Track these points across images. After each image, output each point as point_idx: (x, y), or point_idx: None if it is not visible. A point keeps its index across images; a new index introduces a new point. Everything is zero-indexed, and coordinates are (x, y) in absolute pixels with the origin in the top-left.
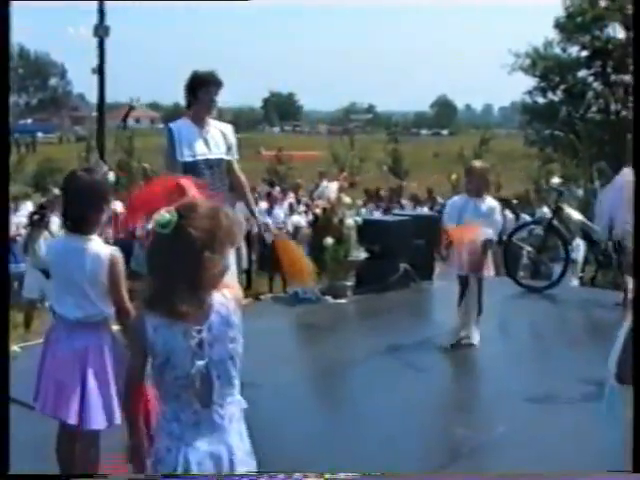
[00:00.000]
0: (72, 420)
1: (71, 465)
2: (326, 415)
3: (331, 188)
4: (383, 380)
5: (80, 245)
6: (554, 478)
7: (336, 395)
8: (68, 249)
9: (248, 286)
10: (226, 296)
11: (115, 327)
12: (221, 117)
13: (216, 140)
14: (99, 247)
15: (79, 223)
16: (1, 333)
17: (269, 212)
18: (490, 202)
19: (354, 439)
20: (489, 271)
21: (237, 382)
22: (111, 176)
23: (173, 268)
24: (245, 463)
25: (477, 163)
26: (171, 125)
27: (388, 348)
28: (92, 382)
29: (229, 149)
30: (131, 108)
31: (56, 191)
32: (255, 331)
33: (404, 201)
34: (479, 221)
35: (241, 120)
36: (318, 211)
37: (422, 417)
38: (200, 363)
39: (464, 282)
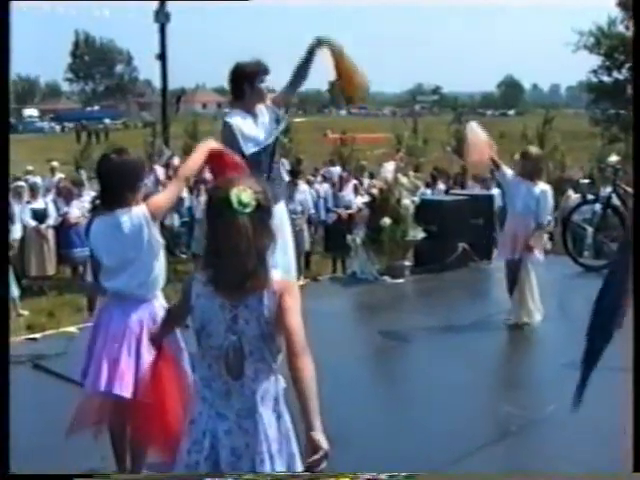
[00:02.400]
0: (127, 394)
1: (125, 440)
2: (383, 394)
3: (387, 168)
4: (439, 359)
5: (119, 218)
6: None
7: (393, 374)
8: (110, 225)
9: (307, 267)
10: (272, 279)
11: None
12: (289, 101)
13: (268, 124)
14: (137, 211)
15: (115, 202)
16: (1, 333)
17: (335, 194)
18: (542, 186)
19: (410, 418)
20: (540, 254)
21: (274, 361)
22: (176, 160)
23: (247, 248)
24: (279, 442)
25: (532, 149)
26: (228, 119)
27: (445, 327)
28: (146, 356)
29: (277, 124)
30: (182, 93)
31: None
32: (312, 312)
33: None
34: (531, 204)
35: (308, 103)
36: (375, 191)
37: (475, 395)
38: (233, 337)
39: (512, 266)
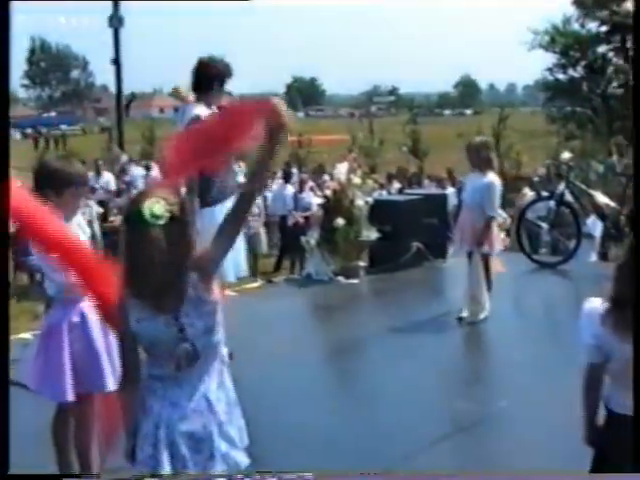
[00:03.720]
0: (68, 397)
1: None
2: (339, 394)
3: (340, 169)
4: (394, 358)
5: None
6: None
7: (348, 374)
8: None
9: (277, 268)
10: (192, 276)
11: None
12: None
13: None
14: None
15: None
16: (1, 332)
17: (296, 196)
18: (490, 177)
19: (366, 416)
20: (494, 247)
21: (220, 344)
22: (132, 166)
23: (162, 260)
24: (228, 413)
25: (478, 139)
26: (197, 112)
27: (400, 326)
28: (84, 355)
29: None
30: (133, 98)
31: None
32: (268, 313)
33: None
34: (477, 197)
35: None
36: (328, 193)
37: (429, 392)
38: (185, 345)
39: (471, 258)
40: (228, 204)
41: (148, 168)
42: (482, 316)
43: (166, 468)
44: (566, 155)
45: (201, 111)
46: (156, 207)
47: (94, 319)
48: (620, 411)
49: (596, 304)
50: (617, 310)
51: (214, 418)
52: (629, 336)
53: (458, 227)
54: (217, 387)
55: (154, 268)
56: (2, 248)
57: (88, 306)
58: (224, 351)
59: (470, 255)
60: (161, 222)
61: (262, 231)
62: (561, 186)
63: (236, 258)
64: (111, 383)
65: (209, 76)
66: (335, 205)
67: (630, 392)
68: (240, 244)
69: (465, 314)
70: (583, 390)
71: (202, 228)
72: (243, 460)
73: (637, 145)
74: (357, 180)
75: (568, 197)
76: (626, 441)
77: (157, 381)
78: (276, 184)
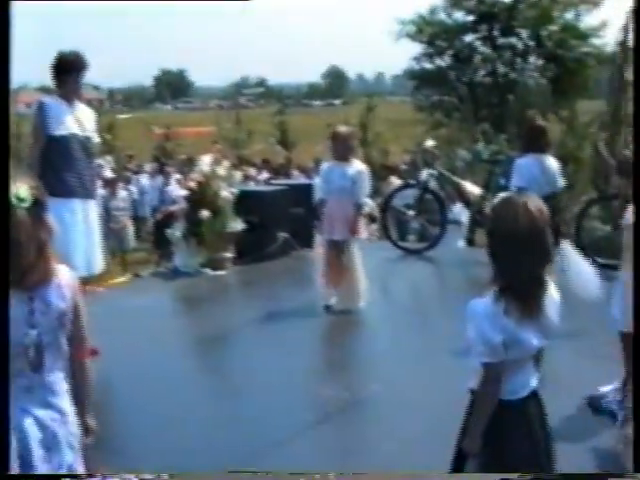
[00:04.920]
0: None
1: None
2: (208, 385)
3: (204, 161)
4: (262, 348)
5: None
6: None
7: (217, 365)
8: None
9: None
10: (62, 270)
11: None
12: (112, 98)
13: (85, 119)
14: None
15: None
16: (1, 332)
17: (163, 189)
18: (357, 166)
19: (233, 408)
20: (362, 234)
21: (64, 349)
22: None
23: (27, 240)
24: (73, 425)
25: (341, 128)
26: (42, 99)
27: (269, 317)
28: None
29: (94, 131)
30: None
31: None
32: (135, 307)
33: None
34: (347, 185)
35: (133, 99)
36: (193, 185)
37: (297, 381)
38: (32, 331)
39: (333, 247)
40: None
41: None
42: (359, 304)
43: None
44: (429, 143)
45: (46, 99)
46: (21, 190)
47: None
48: (511, 397)
49: (488, 301)
50: (515, 297)
51: (64, 428)
52: (530, 319)
53: (327, 216)
54: (66, 398)
55: (20, 249)
56: (2, 246)
57: None
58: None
59: (334, 243)
60: (26, 205)
61: (130, 225)
62: (425, 174)
63: (89, 253)
64: None
65: (65, 69)
66: (200, 197)
67: (525, 375)
68: (94, 239)
69: (333, 302)
70: (485, 390)
71: None
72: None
73: (637, 144)
74: (222, 172)
75: (433, 184)
76: (520, 427)
77: (16, 380)
78: (143, 178)
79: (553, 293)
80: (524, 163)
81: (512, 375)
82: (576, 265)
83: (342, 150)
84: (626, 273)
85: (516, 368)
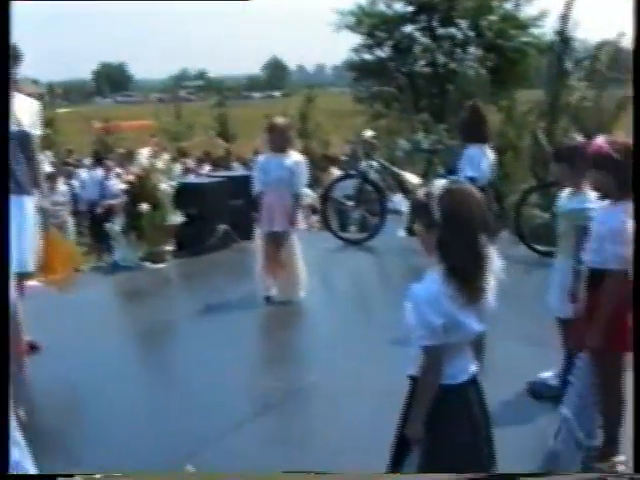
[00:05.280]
0: None
1: None
2: (150, 379)
3: (142, 154)
4: (202, 340)
5: None
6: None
7: (159, 358)
8: None
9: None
10: None
11: None
12: (52, 92)
13: (23, 113)
14: None
15: None
16: (1, 331)
17: (103, 183)
18: (294, 157)
19: (176, 399)
20: (300, 225)
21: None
22: None
23: None
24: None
25: (278, 119)
26: None
27: (209, 309)
28: None
29: (34, 124)
30: None
31: None
32: (75, 302)
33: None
34: (284, 176)
35: (73, 93)
36: (132, 178)
37: (237, 372)
38: None
39: (271, 238)
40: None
41: None
42: (299, 295)
43: None
44: (369, 133)
45: None
46: None
47: None
48: (451, 382)
49: (428, 284)
50: (459, 281)
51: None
52: (472, 303)
53: (265, 207)
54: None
55: None
56: (2, 243)
57: None
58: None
59: (273, 235)
60: None
61: (70, 220)
62: (364, 164)
63: (22, 250)
64: None
65: None
66: (139, 191)
67: (464, 360)
68: (28, 235)
69: (273, 293)
70: (425, 374)
71: None
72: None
73: (637, 144)
74: (161, 165)
75: (372, 175)
76: (461, 412)
77: None
78: (83, 172)
79: (492, 279)
80: (474, 153)
81: (451, 359)
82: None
83: (279, 141)
84: (561, 260)
85: (455, 352)
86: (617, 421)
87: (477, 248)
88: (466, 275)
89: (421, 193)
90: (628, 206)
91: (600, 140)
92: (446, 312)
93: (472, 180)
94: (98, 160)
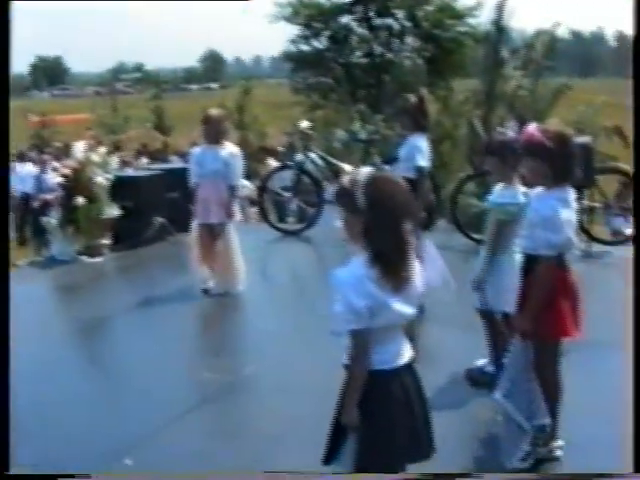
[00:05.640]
0: None
1: None
2: (87, 374)
3: (78, 148)
4: (140, 334)
5: None
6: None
7: (96, 352)
8: None
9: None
10: None
11: None
12: None
13: None
14: None
15: None
16: (1, 330)
17: (39, 176)
18: (229, 148)
19: (111, 394)
20: (237, 217)
21: None
22: None
23: None
24: None
25: (213, 111)
26: None
27: (147, 302)
28: None
29: None
30: None
31: None
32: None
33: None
34: (220, 168)
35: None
36: (67, 172)
37: (175, 365)
38: None
39: (208, 231)
40: None
41: None
42: (237, 287)
43: None
44: (304, 124)
45: None
46: None
47: None
48: (385, 367)
49: (355, 268)
50: (383, 265)
51: None
52: (398, 287)
53: (201, 200)
54: None
55: None
56: (2, 242)
57: None
58: None
59: (209, 227)
60: None
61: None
62: (300, 155)
63: None
64: None
65: None
66: (74, 184)
67: (397, 345)
68: None
69: (211, 285)
70: (354, 359)
71: None
72: None
73: (637, 143)
74: (96, 158)
75: (309, 166)
76: (397, 397)
77: None
78: (19, 166)
79: (418, 265)
80: (421, 142)
81: (384, 344)
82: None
83: (214, 133)
84: (485, 250)
85: (387, 337)
86: (553, 406)
87: (401, 235)
88: (390, 261)
89: (345, 180)
90: (561, 193)
91: (532, 128)
92: (370, 294)
93: (421, 170)
94: (35, 154)
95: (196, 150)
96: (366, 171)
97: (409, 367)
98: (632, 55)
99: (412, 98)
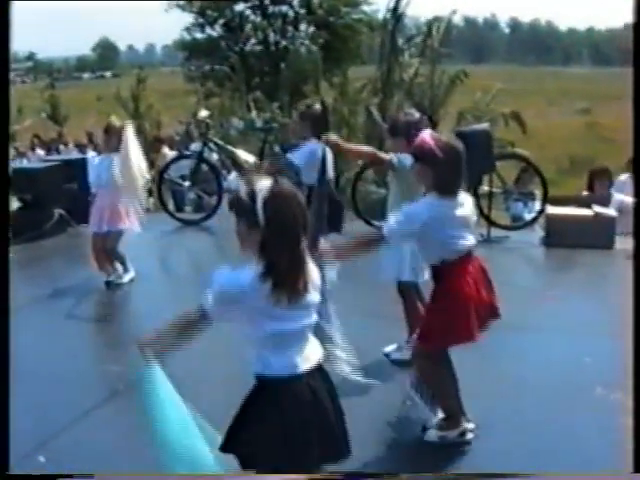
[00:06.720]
0: None
1: None
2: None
3: None
4: (45, 327)
5: None
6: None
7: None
8: None
9: None
10: None
11: None
12: None
13: None
14: None
15: None
16: (1, 329)
17: None
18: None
19: (20, 392)
20: (133, 224)
21: None
22: None
23: None
24: None
25: (115, 121)
26: None
27: (48, 295)
28: None
29: None
30: None
31: None
32: None
33: (69, 147)
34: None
35: None
36: None
37: (83, 359)
38: None
39: (100, 237)
40: None
41: None
42: (128, 278)
43: None
44: (203, 113)
45: None
46: None
47: None
48: (293, 372)
49: (245, 277)
50: (278, 278)
51: None
52: (294, 298)
53: (96, 208)
54: None
55: None
56: (3, 241)
57: None
58: None
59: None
60: None
61: None
62: (198, 144)
63: None
64: None
65: None
66: None
67: (302, 349)
68: None
69: (112, 278)
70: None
71: None
72: None
73: (637, 142)
74: None
75: (207, 154)
76: (306, 400)
77: None
78: None
79: (314, 269)
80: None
81: (283, 350)
82: None
83: (115, 142)
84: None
85: (286, 344)
86: (442, 396)
87: (298, 249)
88: (285, 274)
89: (243, 192)
90: (431, 199)
91: (426, 134)
92: (262, 310)
93: (324, 179)
94: None
95: (94, 159)
96: (265, 184)
97: (319, 369)
98: (632, 44)
99: (316, 105)
